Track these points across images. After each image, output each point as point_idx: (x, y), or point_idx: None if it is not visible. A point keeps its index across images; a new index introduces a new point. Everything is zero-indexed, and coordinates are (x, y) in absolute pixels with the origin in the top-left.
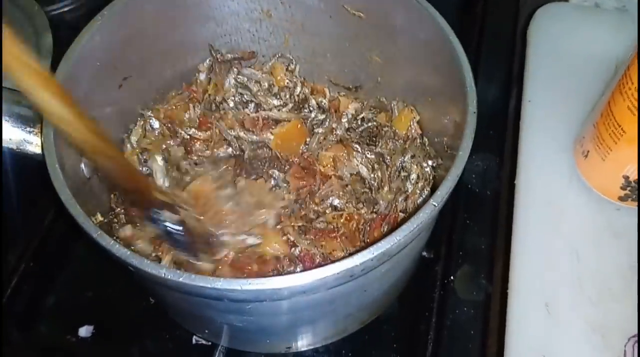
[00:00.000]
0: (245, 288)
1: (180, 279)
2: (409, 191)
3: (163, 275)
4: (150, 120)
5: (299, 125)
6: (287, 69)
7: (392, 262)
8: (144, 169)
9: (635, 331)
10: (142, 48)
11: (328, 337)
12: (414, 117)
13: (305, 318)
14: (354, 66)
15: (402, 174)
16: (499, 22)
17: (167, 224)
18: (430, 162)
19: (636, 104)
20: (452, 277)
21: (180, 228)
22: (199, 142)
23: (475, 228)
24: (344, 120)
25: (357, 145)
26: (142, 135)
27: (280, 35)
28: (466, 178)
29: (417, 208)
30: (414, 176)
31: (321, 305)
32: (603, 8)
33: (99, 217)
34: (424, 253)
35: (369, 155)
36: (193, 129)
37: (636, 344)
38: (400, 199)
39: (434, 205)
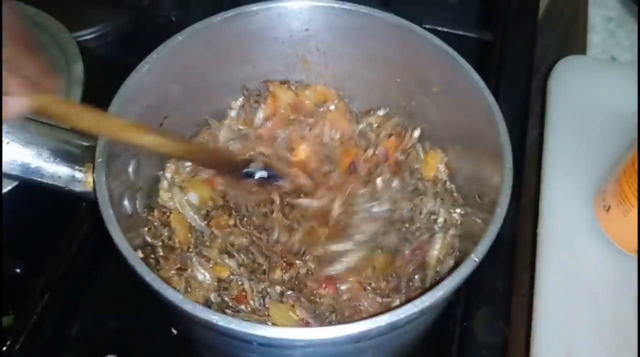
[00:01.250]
0: (292, 337)
1: (231, 326)
2: (437, 235)
3: (215, 321)
4: None
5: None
6: None
7: (429, 313)
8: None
9: None
10: (184, 88)
11: None
12: (443, 160)
13: None
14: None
15: (432, 217)
16: (516, 67)
17: (258, 173)
18: (458, 210)
19: None
20: (471, 320)
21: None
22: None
23: (494, 271)
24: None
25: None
26: (175, 171)
27: (312, 78)
28: None
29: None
30: (441, 220)
31: (352, 354)
32: (619, 61)
33: (140, 254)
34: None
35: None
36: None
37: None
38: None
39: (475, 260)
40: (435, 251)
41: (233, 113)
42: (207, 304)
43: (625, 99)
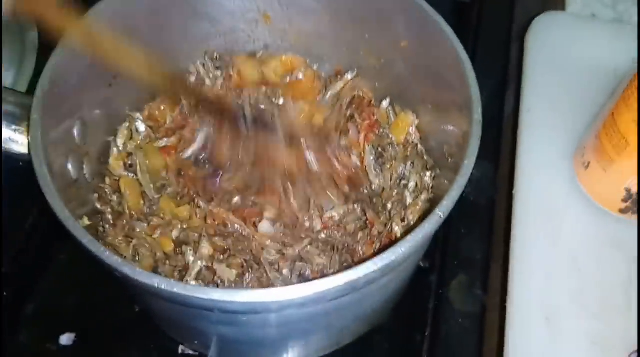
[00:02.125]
0: (241, 300)
1: (175, 290)
2: (408, 200)
3: (156, 285)
4: (136, 123)
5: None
6: None
7: (393, 273)
8: (129, 174)
9: (636, 346)
10: (136, 45)
11: (321, 350)
12: (414, 122)
13: (299, 331)
14: (351, 69)
15: (402, 182)
16: (494, 29)
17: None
18: (428, 173)
19: (633, 117)
20: (447, 288)
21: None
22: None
23: (471, 237)
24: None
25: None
26: (128, 137)
27: (277, 37)
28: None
29: (419, 219)
30: (412, 185)
31: (317, 318)
32: (599, 18)
33: (86, 221)
34: (420, 263)
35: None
36: (165, 139)
37: None
38: (399, 208)
39: (440, 215)
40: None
41: (192, 78)
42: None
43: (605, 55)
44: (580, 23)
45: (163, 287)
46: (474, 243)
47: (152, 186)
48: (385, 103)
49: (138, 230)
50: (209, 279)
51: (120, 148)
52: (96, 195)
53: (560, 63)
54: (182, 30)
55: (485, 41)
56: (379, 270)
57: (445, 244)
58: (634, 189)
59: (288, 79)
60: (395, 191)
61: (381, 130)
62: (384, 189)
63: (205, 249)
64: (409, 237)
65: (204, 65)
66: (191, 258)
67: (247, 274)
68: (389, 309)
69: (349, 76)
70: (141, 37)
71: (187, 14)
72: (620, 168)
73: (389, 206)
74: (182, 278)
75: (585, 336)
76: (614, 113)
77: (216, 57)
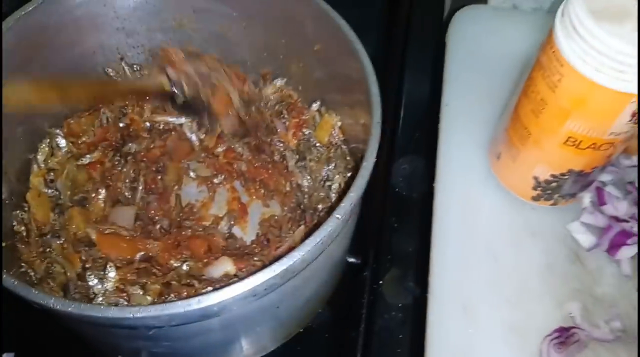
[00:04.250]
0: (136, 316)
1: (69, 309)
2: (333, 200)
3: (51, 306)
4: (57, 139)
5: None
6: None
7: (304, 276)
8: (49, 191)
9: (551, 330)
10: (48, 60)
11: (251, 354)
12: (336, 124)
13: (219, 339)
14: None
15: (327, 183)
16: (425, 25)
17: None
18: (349, 174)
19: (538, 106)
20: (380, 282)
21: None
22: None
23: (403, 232)
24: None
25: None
26: (49, 154)
27: (197, 45)
28: (393, 181)
29: None
30: (335, 186)
31: (232, 325)
32: (521, 9)
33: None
34: (352, 259)
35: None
36: (88, 156)
37: (551, 343)
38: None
39: (337, 217)
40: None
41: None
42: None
43: (525, 46)
44: (501, 15)
45: (58, 307)
46: (407, 237)
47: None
48: (315, 105)
49: (53, 246)
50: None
51: (42, 165)
52: (16, 212)
53: (480, 56)
54: (98, 44)
55: (416, 37)
56: (278, 275)
57: (379, 240)
58: (542, 177)
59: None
60: (321, 191)
61: (307, 131)
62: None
63: (111, 277)
64: (307, 241)
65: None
66: (95, 281)
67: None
68: (319, 308)
69: (278, 83)
70: (53, 51)
71: (100, 28)
72: (526, 157)
73: (320, 207)
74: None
75: (502, 323)
76: (517, 104)
77: (135, 68)
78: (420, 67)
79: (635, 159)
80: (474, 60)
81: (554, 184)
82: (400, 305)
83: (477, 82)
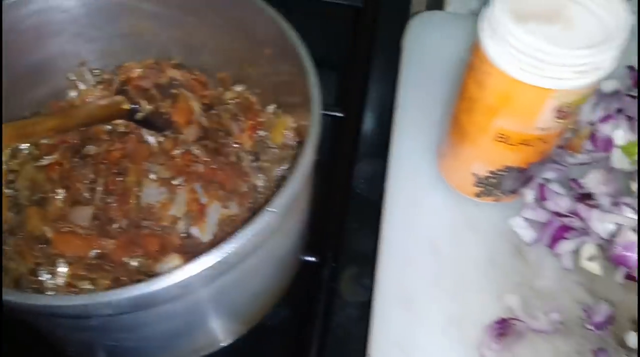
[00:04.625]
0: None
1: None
2: None
3: None
4: None
5: None
6: None
7: (244, 270)
8: (8, 191)
9: (490, 322)
10: (8, 66)
11: (200, 349)
12: (290, 125)
13: (164, 331)
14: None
15: (282, 184)
16: (390, 28)
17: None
18: None
19: (471, 105)
20: (338, 281)
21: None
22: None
23: (363, 232)
24: None
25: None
26: (10, 155)
27: (155, 50)
28: (355, 183)
29: None
30: None
31: (174, 318)
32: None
33: None
34: (311, 258)
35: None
36: (46, 157)
37: (490, 334)
38: None
39: (270, 211)
40: None
41: (73, 92)
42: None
43: None
44: (457, 20)
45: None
46: (366, 237)
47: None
48: (270, 108)
49: (8, 243)
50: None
51: (4, 166)
52: None
53: (434, 60)
54: (59, 50)
55: (380, 44)
56: (211, 268)
57: (338, 240)
58: (481, 174)
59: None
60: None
61: (263, 133)
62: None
63: (62, 272)
64: (236, 234)
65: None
66: (47, 276)
67: None
68: (271, 303)
69: (238, 88)
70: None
71: (60, 34)
72: (465, 156)
73: None
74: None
75: (442, 315)
76: (455, 105)
77: (95, 72)
78: (385, 71)
79: (580, 157)
80: (428, 64)
81: (493, 180)
82: (356, 302)
83: (430, 85)
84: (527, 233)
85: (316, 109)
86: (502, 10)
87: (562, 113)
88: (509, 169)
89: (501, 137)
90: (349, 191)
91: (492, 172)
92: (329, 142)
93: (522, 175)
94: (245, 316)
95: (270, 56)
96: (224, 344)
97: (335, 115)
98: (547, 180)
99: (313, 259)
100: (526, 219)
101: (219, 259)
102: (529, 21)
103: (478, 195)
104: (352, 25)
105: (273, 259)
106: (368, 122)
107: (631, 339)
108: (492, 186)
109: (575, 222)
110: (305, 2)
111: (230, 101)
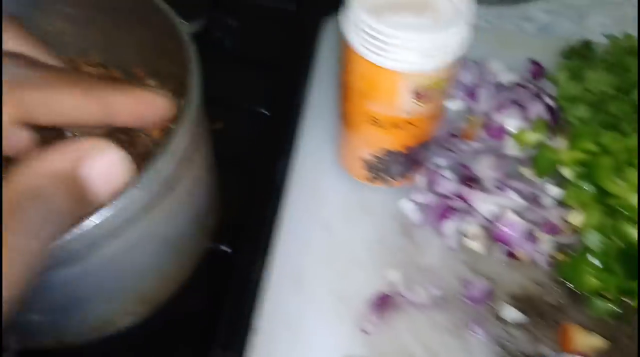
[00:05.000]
0: None
1: None
2: None
3: None
4: None
5: None
6: None
7: (119, 248)
8: None
9: (373, 296)
10: None
11: (96, 329)
12: None
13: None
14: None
15: None
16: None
17: None
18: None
19: (347, 92)
20: (251, 270)
21: None
22: None
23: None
24: None
25: None
26: None
27: (76, 48)
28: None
29: None
30: None
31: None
32: None
33: None
34: (224, 248)
35: None
36: None
37: (370, 308)
38: None
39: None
40: None
41: None
42: None
43: None
44: None
45: None
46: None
47: None
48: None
49: None
50: None
51: None
52: None
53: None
54: None
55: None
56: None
57: (255, 230)
58: (366, 158)
59: None
60: None
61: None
62: None
63: None
64: (100, 210)
65: None
66: None
67: None
68: (167, 289)
69: (151, 82)
70: None
71: None
72: (352, 142)
73: None
74: None
75: (330, 292)
76: (340, 93)
77: None
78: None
79: (473, 145)
80: (337, 61)
81: (379, 165)
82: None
83: (337, 82)
84: (415, 215)
85: (193, 92)
86: (358, 2)
87: (420, 96)
88: (389, 153)
89: (374, 121)
90: (269, 184)
91: (376, 157)
92: (256, 139)
93: (403, 159)
94: (141, 296)
95: (171, 51)
96: (123, 325)
97: (263, 113)
98: (439, 166)
99: (228, 249)
100: (415, 202)
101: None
102: (398, 12)
103: (370, 179)
104: (285, 27)
105: (159, 237)
106: (294, 121)
107: (507, 312)
108: (380, 170)
109: (459, 204)
110: (242, 4)
111: None
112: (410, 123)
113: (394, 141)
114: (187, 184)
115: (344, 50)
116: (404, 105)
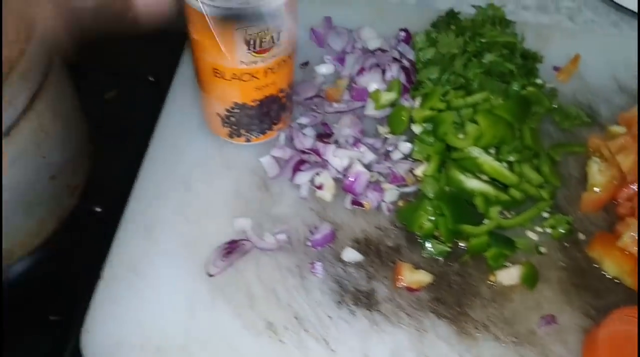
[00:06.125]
0: None
1: None
2: None
3: None
4: None
5: None
6: None
7: None
8: None
9: (220, 244)
10: None
11: None
12: None
13: None
14: None
15: None
16: None
17: None
18: None
19: (193, 46)
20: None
21: None
22: None
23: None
24: None
25: None
26: None
27: None
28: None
29: None
30: None
31: None
32: None
33: None
34: (97, 208)
35: None
36: None
37: (218, 253)
38: None
39: None
40: None
41: None
42: None
43: None
44: None
45: None
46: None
47: None
48: None
49: None
50: None
51: None
52: None
53: None
54: None
55: None
56: None
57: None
58: (221, 113)
59: None
60: None
61: None
62: None
63: None
64: None
65: None
66: None
67: None
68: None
69: None
70: None
71: None
72: (206, 98)
73: None
74: None
75: (179, 239)
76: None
77: None
78: None
79: (336, 106)
80: None
81: (232, 119)
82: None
83: None
84: (272, 169)
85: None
86: None
87: (252, 45)
88: (238, 105)
89: (217, 73)
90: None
91: (227, 110)
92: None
93: (255, 113)
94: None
95: None
96: None
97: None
98: (302, 125)
99: (98, 208)
100: (274, 157)
101: None
102: None
103: (230, 136)
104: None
105: (24, 181)
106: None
107: (347, 254)
108: (233, 124)
109: (312, 158)
110: None
111: None
112: (250, 74)
113: (239, 94)
114: (27, 133)
115: (184, 5)
116: (243, 56)
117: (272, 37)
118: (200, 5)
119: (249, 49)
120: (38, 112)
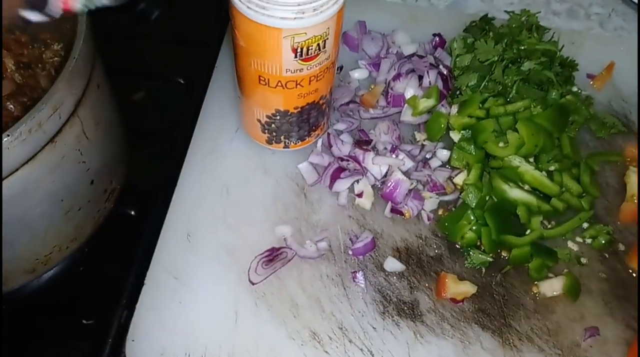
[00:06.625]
0: None
1: None
2: None
3: None
4: None
5: None
6: None
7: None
8: None
9: (262, 251)
10: None
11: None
12: None
13: None
14: None
15: None
16: None
17: None
18: None
19: (237, 51)
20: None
21: None
22: None
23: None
24: None
25: None
26: None
27: None
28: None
29: None
30: None
31: None
32: None
33: None
34: (131, 212)
35: None
36: None
37: (259, 260)
38: None
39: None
40: None
41: None
42: None
43: None
44: None
45: None
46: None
47: None
48: None
49: None
50: None
51: None
52: None
53: None
54: None
55: None
56: None
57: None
58: (262, 119)
59: None
60: None
61: None
62: None
63: None
64: None
65: None
66: None
67: None
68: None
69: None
70: None
71: None
72: (247, 103)
73: None
74: None
75: (220, 246)
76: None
77: None
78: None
79: (373, 111)
80: None
81: (273, 125)
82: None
83: None
84: (310, 175)
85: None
86: None
87: (300, 54)
88: (279, 112)
89: (262, 80)
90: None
91: (268, 117)
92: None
93: (296, 120)
94: (35, 253)
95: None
96: (18, 283)
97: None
98: (339, 131)
99: (133, 212)
100: (311, 164)
101: None
102: None
103: (268, 142)
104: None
105: (44, 190)
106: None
107: (388, 263)
108: (274, 131)
109: (351, 165)
110: None
111: (49, 60)
112: (294, 81)
113: (282, 101)
114: (71, 139)
115: (231, 10)
116: (289, 64)
117: (318, 45)
118: (251, 12)
119: (296, 57)
120: (81, 117)
